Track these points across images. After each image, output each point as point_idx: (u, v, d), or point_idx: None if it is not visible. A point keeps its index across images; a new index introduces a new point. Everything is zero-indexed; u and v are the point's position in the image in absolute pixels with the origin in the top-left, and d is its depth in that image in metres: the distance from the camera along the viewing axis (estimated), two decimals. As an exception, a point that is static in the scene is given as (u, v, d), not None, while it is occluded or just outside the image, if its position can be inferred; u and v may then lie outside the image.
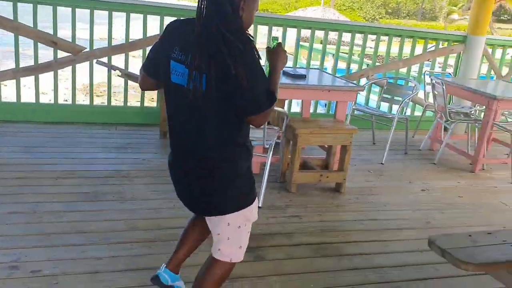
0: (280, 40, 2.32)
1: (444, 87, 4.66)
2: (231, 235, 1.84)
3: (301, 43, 5.81)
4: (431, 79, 5.04)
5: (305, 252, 2.87)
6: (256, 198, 1.88)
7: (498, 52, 6.35)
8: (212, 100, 1.61)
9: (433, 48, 6.21)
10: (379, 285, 2.61)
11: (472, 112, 5.28)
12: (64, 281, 2.34)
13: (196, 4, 1.65)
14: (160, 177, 3.69)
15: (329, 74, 4.84)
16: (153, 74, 1.82)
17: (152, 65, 1.80)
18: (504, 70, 6.48)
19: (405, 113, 5.52)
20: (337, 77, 4.67)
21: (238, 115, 1.67)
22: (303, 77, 4.13)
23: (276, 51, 1.80)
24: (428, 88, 5.46)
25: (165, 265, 2.11)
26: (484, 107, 4.84)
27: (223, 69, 1.55)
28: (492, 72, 6.30)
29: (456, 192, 4.16)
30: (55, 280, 2.33)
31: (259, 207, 3.29)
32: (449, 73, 5.94)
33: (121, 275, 2.43)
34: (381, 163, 4.61)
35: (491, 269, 2.07)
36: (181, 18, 1.81)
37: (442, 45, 6.02)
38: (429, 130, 5.30)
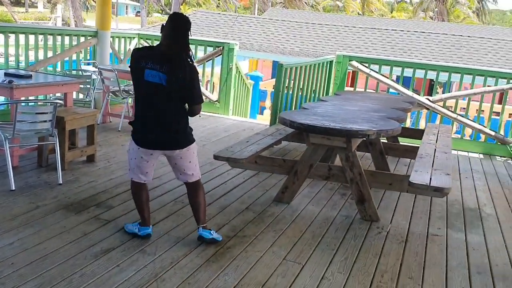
0: None
1: (116, 72, 6.24)
2: (195, 161, 3.22)
3: None
4: (98, 67, 6.49)
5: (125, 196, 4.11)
6: None
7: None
8: (173, 90, 3.00)
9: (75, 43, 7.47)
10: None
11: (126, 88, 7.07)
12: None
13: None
14: None
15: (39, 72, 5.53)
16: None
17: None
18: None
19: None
20: (49, 74, 5.46)
21: (187, 103, 3.10)
22: (30, 76, 4.83)
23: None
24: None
25: (140, 225, 3.32)
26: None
27: (180, 76, 2.97)
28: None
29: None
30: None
31: (59, 184, 4.20)
32: (95, 61, 7.43)
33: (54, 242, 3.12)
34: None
35: (252, 159, 4.14)
36: (142, 47, 3.11)
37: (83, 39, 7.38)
38: (101, 108, 6.75)
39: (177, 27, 3.02)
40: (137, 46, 8.48)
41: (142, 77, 2.98)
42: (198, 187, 3.31)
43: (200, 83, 3.25)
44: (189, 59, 3.03)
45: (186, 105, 3.14)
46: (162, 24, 3.08)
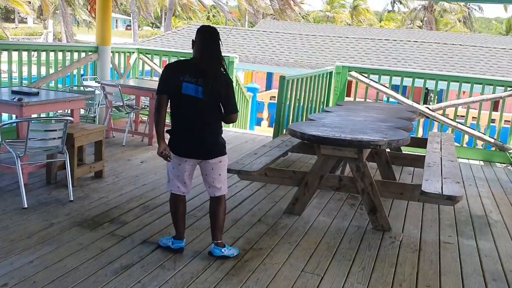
0: None
1: (120, 88, 6.25)
2: (224, 175, 3.25)
3: None
4: (100, 83, 6.51)
5: (136, 211, 4.12)
6: None
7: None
8: (208, 103, 3.07)
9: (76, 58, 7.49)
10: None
11: (129, 103, 7.08)
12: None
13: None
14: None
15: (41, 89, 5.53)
16: (165, 92, 3.09)
17: (165, 88, 3.09)
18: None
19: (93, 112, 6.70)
20: (54, 90, 5.47)
21: (224, 112, 3.15)
22: (37, 94, 4.84)
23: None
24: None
25: (173, 238, 3.37)
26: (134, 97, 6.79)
27: (216, 87, 3.03)
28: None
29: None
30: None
31: (70, 200, 4.20)
32: (96, 77, 7.44)
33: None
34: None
35: (262, 171, 4.17)
36: (177, 61, 3.20)
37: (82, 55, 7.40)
38: (104, 123, 6.76)
39: (207, 39, 3.08)
40: (137, 61, 8.53)
41: (180, 91, 3.06)
42: (220, 202, 3.33)
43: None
44: (222, 69, 3.10)
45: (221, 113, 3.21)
46: (192, 39, 3.15)
